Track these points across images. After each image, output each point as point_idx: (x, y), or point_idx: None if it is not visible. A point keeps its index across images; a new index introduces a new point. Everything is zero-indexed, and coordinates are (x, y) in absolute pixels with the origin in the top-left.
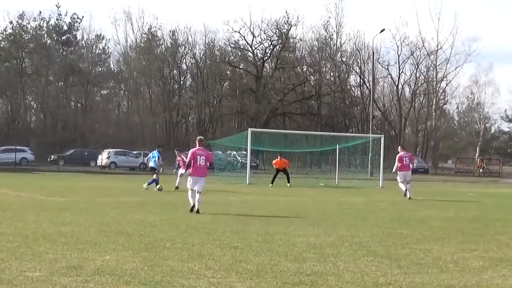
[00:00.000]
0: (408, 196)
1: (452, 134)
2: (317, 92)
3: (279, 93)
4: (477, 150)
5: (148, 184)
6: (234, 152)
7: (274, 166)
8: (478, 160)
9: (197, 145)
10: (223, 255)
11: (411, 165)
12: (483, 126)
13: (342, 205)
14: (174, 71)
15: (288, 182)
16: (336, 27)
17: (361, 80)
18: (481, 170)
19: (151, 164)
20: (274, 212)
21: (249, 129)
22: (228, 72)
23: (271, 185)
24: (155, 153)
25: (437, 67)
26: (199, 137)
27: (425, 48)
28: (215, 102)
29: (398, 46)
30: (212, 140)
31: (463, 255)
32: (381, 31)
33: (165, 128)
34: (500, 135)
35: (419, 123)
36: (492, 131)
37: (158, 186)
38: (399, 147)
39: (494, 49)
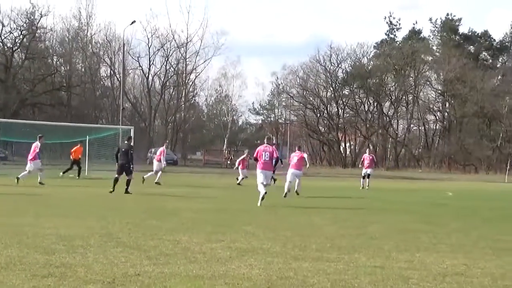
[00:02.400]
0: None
1: (201, 126)
2: (67, 83)
3: (28, 83)
4: (225, 142)
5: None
6: None
7: (72, 156)
8: (226, 151)
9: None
10: None
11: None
12: (231, 118)
13: (93, 196)
14: None
15: (79, 174)
16: (87, 18)
17: (112, 72)
18: (228, 162)
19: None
20: (23, 204)
21: None
22: None
23: (61, 174)
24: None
25: (187, 60)
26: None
27: (175, 40)
28: None
29: (148, 38)
30: None
31: (211, 246)
32: (132, 22)
33: None
34: (247, 127)
35: (169, 115)
36: (240, 123)
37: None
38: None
39: (241, 42)
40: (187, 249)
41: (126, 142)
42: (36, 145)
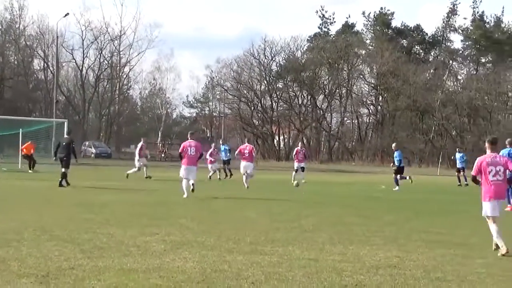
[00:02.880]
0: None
1: (135, 119)
2: (0, 76)
3: None
4: (159, 135)
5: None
6: None
7: (23, 152)
8: (160, 145)
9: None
10: None
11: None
12: (165, 112)
13: (27, 190)
14: None
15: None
16: (19, 10)
17: (45, 64)
18: (162, 155)
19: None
20: None
21: None
22: None
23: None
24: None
25: (121, 53)
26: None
27: (109, 33)
28: None
29: (82, 31)
30: None
31: (145, 239)
32: (65, 15)
33: None
34: (181, 120)
35: (103, 108)
36: (174, 116)
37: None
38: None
39: (174, 35)
40: (121, 242)
41: (67, 136)
42: None
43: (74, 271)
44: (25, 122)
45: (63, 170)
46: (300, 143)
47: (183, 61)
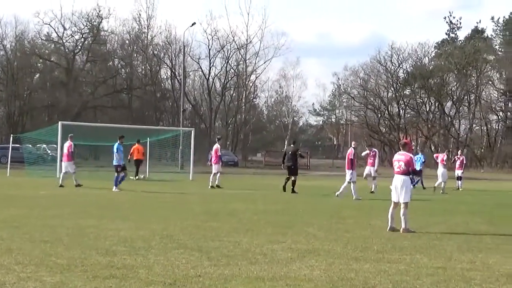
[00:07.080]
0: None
1: (261, 127)
2: (128, 85)
3: (90, 86)
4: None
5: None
6: (45, 145)
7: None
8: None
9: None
10: (33, 250)
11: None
12: (291, 120)
13: (154, 198)
14: None
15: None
16: (147, 20)
17: (172, 73)
18: None
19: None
20: (85, 205)
21: (59, 122)
22: (39, 64)
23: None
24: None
25: (247, 61)
26: (70, 134)
27: (235, 42)
28: (25, 95)
29: (209, 40)
30: (22, 134)
31: (271, 247)
32: (192, 24)
33: None
34: (307, 128)
35: (229, 116)
36: (300, 124)
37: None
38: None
39: (300, 43)
40: (248, 250)
41: (292, 145)
42: (69, 145)
43: (200, 278)
44: (153, 131)
45: (292, 178)
46: (459, 151)
47: (309, 68)
